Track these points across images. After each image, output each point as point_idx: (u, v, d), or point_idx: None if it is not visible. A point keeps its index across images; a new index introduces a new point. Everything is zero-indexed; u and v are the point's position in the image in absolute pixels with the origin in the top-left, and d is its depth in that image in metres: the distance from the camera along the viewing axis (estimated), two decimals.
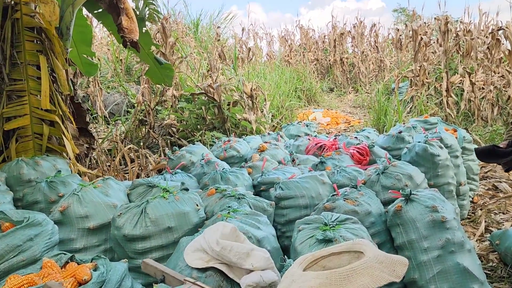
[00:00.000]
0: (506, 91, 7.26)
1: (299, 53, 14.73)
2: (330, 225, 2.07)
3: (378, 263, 1.19)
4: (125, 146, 5.60)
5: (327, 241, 1.95)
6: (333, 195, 2.59)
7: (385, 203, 2.66)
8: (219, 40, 11.53)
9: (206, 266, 1.58)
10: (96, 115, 7.87)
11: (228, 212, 2.17)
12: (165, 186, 2.53)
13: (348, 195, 2.52)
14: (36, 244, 2.00)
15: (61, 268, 1.79)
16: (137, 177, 5.04)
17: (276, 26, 23.66)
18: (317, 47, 15.24)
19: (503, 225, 3.62)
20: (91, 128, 7.66)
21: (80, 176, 3.64)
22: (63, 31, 4.03)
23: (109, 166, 4.99)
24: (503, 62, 8.26)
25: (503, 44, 7.90)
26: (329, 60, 14.17)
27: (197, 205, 2.29)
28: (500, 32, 7.46)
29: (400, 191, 2.43)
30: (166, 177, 3.35)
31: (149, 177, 5.00)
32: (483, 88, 7.59)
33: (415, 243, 2.27)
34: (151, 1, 5.16)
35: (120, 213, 2.14)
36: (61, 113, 3.43)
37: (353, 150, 3.63)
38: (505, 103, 7.33)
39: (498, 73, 7.90)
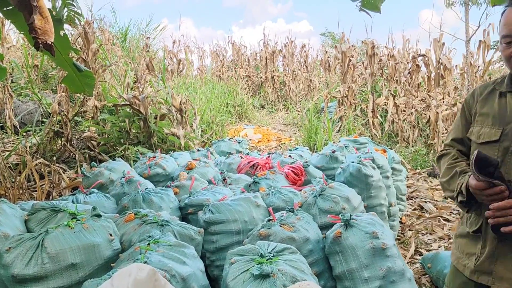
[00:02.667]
0: (426, 114, 7.69)
1: (231, 69, 14.67)
2: (266, 256, 1.83)
3: None
4: (35, 160, 4.96)
5: (264, 276, 1.70)
6: (269, 220, 2.36)
7: (323, 228, 2.49)
8: (148, 51, 11.05)
9: None
10: (3, 124, 6.99)
11: (148, 244, 1.83)
12: (73, 211, 2.13)
13: (284, 220, 2.31)
14: None
15: None
16: (48, 196, 4.45)
17: (208, 42, 23.60)
18: (248, 64, 15.32)
19: (431, 245, 3.65)
20: None
21: None
22: None
23: (14, 183, 4.36)
24: (421, 87, 8.82)
25: (421, 70, 8.47)
26: (261, 77, 14.26)
27: (110, 234, 1.92)
28: (420, 58, 7.94)
29: (340, 215, 2.26)
30: (79, 198, 2.91)
31: (61, 196, 4.45)
32: (405, 111, 7.99)
33: (355, 273, 2.10)
34: (71, 2, 4.69)
35: (9, 248, 1.71)
36: None
37: (288, 169, 3.46)
38: (425, 125, 7.76)
39: (417, 97, 8.38)
